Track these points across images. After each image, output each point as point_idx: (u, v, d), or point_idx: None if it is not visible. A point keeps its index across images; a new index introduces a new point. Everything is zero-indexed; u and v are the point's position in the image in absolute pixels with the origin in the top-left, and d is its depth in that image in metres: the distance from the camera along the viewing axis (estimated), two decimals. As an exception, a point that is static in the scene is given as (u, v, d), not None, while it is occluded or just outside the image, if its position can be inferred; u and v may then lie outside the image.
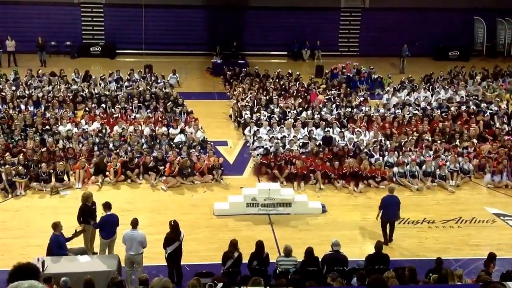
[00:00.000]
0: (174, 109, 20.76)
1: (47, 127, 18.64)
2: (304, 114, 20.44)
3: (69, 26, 30.55)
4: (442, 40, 31.63)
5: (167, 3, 30.65)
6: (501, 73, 26.86)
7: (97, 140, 17.96)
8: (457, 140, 18.69)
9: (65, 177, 16.11)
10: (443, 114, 21.03)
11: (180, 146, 17.77)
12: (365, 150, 17.69)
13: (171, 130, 18.90)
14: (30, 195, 15.64)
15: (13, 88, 22.19)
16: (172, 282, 9.90)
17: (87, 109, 20.40)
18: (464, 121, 20.41)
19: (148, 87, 22.95)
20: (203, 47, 31.07)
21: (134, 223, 11.33)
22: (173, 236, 11.19)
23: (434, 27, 31.39)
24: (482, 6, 31.45)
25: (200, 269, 11.00)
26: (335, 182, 16.52)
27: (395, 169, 16.90)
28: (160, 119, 19.61)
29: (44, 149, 16.92)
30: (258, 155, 17.56)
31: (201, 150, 17.64)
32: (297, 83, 24.10)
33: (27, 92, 21.95)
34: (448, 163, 17.01)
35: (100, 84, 23.25)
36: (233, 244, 11.05)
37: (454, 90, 23.95)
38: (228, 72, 26.09)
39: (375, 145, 17.93)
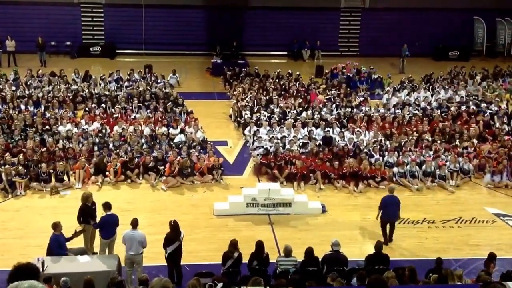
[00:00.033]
0: (174, 109, 20.76)
1: (47, 127, 18.64)
2: (304, 114, 20.44)
3: (69, 26, 30.54)
4: (442, 40, 31.61)
5: (167, 3, 30.64)
6: (501, 73, 26.87)
7: (97, 140, 17.96)
8: (457, 140, 18.69)
9: (65, 177, 16.11)
10: (443, 114, 21.03)
11: (180, 146, 17.77)
12: (365, 150, 17.69)
13: (171, 130, 18.91)
14: (30, 195, 15.64)
15: (13, 88, 22.19)
16: (172, 282, 9.90)
17: (87, 109, 20.40)
18: (464, 121, 20.42)
19: (148, 87, 22.95)
20: (203, 47, 31.06)
21: (134, 223, 11.33)
22: (173, 236, 11.19)
23: (434, 27, 31.37)
24: (482, 6, 31.44)
25: (200, 269, 10.99)
26: (335, 182, 16.52)
27: (395, 169, 16.90)
28: (160, 119, 19.61)
29: (44, 149, 16.92)
30: (258, 155, 17.56)
31: (201, 150, 17.64)
32: (297, 83, 24.10)
33: (27, 92, 21.95)
34: (448, 163, 17.02)
35: (100, 84, 23.25)
36: (233, 244, 11.05)
37: (454, 90, 23.96)
38: (228, 72, 26.09)
39: (375, 145, 17.93)
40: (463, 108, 21.46)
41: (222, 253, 11.11)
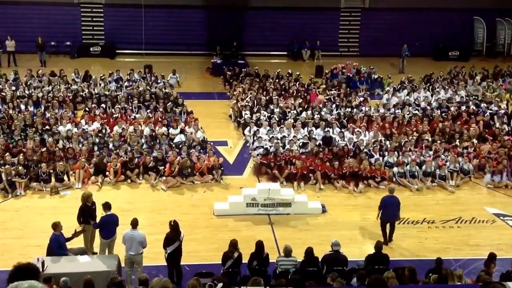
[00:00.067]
0: (174, 109, 20.76)
1: (47, 127, 18.64)
2: (304, 114, 20.44)
3: (69, 26, 30.55)
4: (442, 40, 31.62)
5: (167, 3, 30.65)
6: (501, 73, 26.88)
7: (97, 140, 17.96)
8: (457, 140, 18.69)
9: (65, 177, 16.11)
10: (443, 114, 21.03)
11: (180, 146, 17.77)
12: (365, 150, 17.69)
13: (171, 130, 18.91)
14: (30, 195, 15.64)
15: (13, 88, 22.19)
16: (172, 282, 9.90)
17: (87, 109, 20.40)
18: (464, 121, 20.42)
19: (148, 87, 22.95)
20: (203, 47, 31.07)
21: (134, 223, 11.33)
22: (173, 236, 11.19)
23: (434, 27, 31.38)
24: (482, 6, 31.46)
25: (200, 269, 10.99)
26: (335, 182, 16.52)
27: (395, 169, 16.90)
28: (160, 119, 19.62)
29: (44, 149, 16.91)
30: (258, 155, 17.55)
31: (201, 150, 17.64)
32: (297, 83, 24.11)
33: (27, 92, 21.95)
34: (448, 163, 17.01)
35: (100, 84, 23.25)
36: (233, 244, 11.05)
37: (454, 90, 23.96)
38: (228, 72, 26.09)
39: (375, 145, 17.93)
40: (463, 108, 21.46)
41: (222, 253, 11.10)
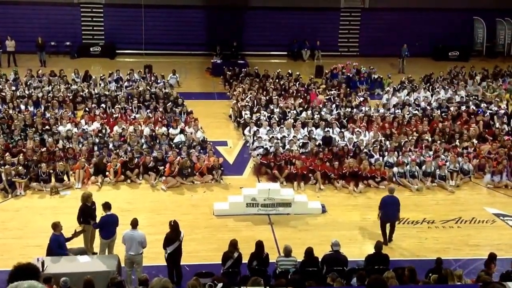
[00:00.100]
0: (174, 109, 20.75)
1: (47, 127, 18.64)
2: (304, 114, 20.44)
3: (68, 26, 30.55)
4: (442, 40, 31.62)
5: (167, 3, 30.64)
6: (501, 73, 26.89)
7: (97, 140, 17.96)
8: (457, 140, 18.69)
9: (65, 177, 16.11)
10: (443, 114, 21.04)
11: (180, 146, 17.77)
12: (365, 150, 17.68)
13: (171, 130, 18.91)
14: (30, 195, 15.64)
15: (13, 88, 22.20)
16: (172, 282, 9.90)
17: (87, 109, 20.40)
18: (464, 121, 20.42)
19: (148, 87, 22.95)
20: (203, 47, 31.08)
21: (134, 223, 11.33)
22: (173, 236, 11.19)
23: (434, 27, 31.39)
24: (482, 6, 31.47)
25: (200, 269, 10.98)
26: (335, 182, 16.52)
27: (395, 169, 16.90)
28: (160, 119, 19.61)
29: (44, 149, 16.91)
30: (258, 155, 17.55)
31: (201, 150, 17.64)
32: (297, 83, 24.11)
33: (27, 92, 21.94)
34: (448, 163, 17.01)
35: (100, 84, 23.25)
36: (233, 244, 11.04)
37: (454, 90, 23.97)
38: (228, 72, 26.10)
39: (375, 145, 17.93)
40: (463, 108, 21.46)
41: (222, 253, 11.10)
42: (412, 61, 29.04)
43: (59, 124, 18.92)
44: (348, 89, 23.89)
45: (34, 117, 19.25)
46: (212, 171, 16.67)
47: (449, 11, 31.46)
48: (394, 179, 16.73)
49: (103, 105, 20.58)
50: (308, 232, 13.87)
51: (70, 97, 21.62)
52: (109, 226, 11.73)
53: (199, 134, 18.95)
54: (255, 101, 21.66)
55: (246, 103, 21.36)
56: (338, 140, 18.47)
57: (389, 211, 13.24)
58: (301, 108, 21.15)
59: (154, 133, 18.64)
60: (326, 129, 18.94)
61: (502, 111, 21.37)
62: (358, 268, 10.91)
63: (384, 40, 30.94)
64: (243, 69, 26.38)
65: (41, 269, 9.47)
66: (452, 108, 21.48)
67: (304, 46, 31.13)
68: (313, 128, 19.06)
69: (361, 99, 22.51)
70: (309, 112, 20.53)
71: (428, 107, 21.72)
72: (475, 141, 18.98)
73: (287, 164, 16.99)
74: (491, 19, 31.81)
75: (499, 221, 14.75)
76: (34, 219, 14.13)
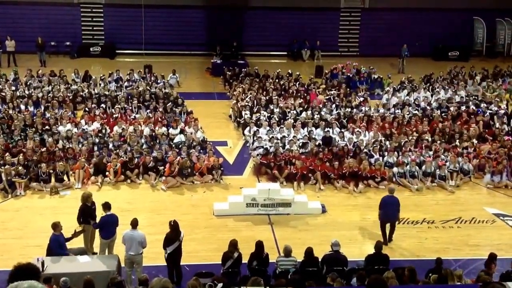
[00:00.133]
0: (174, 109, 20.75)
1: (47, 127, 18.64)
2: (304, 114, 20.44)
3: (68, 26, 30.56)
4: (441, 40, 31.63)
5: (167, 3, 30.65)
6: (501, 73, 26.89)
7: (97, 140, 17.96)
8: (457, 140, 18.69)
9: (65, 177, 16.11)
10: (443, 114, 21.04)
11: (180, 146, 17.77)
12: (365, 150, 17.69)
13: (171, 130, 18.91)
14: (30, 195, 15.64)
15: (13, 88, 22.20)
16: (172, 282, 9.90)
17: (87, 109, 20.40)
18: (464, 121, 20.42)
19: (148, 87, 22.95)
20: (203, 47, 31.09)
21: (134, 223, 11.33)
22: (173, 236, 11.19)
23: (434, 27, 31.39)
24: (482, 6, 31.47)
25: (199, 269, 10.99)
26: (335, 182, 16.51)
27: (395, 169, 16.90)
28: (160, 119, 19.62)
29: (44, 149, 16.90)
30: (257, 155, 17.55)
31: (201, 150, 17.64)
32: (297, 83, 24.11)
33: (27, 92, 21.94)
34: (447, 163, 17.01)
35: (100, 84, 23.25)
36: (233, 244, 11.04)
37: (454, 90, 23.97)
38: (228, 72, 26.10)
39: (374, 145, 17.93)
40: (463, 108, 21.47)
41: (222, 253, 11.10)
42: (412, 61, 29.05)
43: (59, 124, 18.92)
44: (348, 89, 23.89)
45: (34, 117, 19.25)
46: (212, 171, 16.67)
47: (449, 11, 31.47)
48: (394, 179, 16.73)
49: (103, 105, 20.58)
50: (308, 232, 13.87)
51: (70, 97, 21.62)
52: (109, 226, 11.73)
53: (199, 134, 18.95)
54: (255, 101, 21.66)
55: (246, 103, 21.36)
56: (338, 140, 18.47)
57: (389, 211, 13.24)
58: (301, 108, 21.15)
59: (154, 133, 18.64)
60: (326, 129, 18.94)
61: (502, 111, 21.38)
62: (358, 268, 10.91)
63: (384, 40, 30.94)
64: (243, 69, 26.38)
65: (41, 269, 9.47)
66: (452, 108, 21.48)
67: (304, 46, 31.14)
68: (313, 128, 19.06)
69: (361, 99, 22.52)
70: (309, 112, 20.53)
71: (428, 107, 21.72)
72: (475, 141, 18.99)
73: (287, 164, 16.99)
74: (491, 19, 31.82)
75: (499, 221, 14.75)
76: (34, 219, 14.13)
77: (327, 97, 22.46)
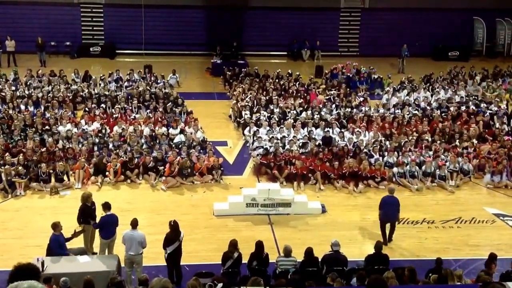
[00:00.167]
0: (174, 109, 20.75)
1: (47, 127, 18.64)
2: (304, 114, 20.44)
3: (68, 26, 30.56)
4: (441, 40, 31.63)
5: (167, 3, 30.65)
6: (501, 74, 26.89)
7: (96, 140, 17.96)
8: (457, 140, 18.70)
9: (65, 177, 16.11)
10: (442, 114, 21.04)
11: (180, 146, 17.77)
12: (365, 150, 17.68)
13: (171, 130, 18.91)
14: (30, 195, 15.63)
15: (13, 88, 22.19)
16: (172, 282, 9.90)
17: (86, 109, 20.40)
18: (464, 121, 20.42)
19: (147, 87, 22.95)
20: (203, 47, 31.09)
21: (134, 223, 11.33)
22: (173, 236, 11.19)
23: (434, 27, 31.40)
24: (482, 6, 31.48)
25: (199, 269, 10.99)
26: (335, 182, 16.51)
27: (395, 169, 16.90)
28: (160, 119, 19.62)
29: (43, 149, 16.91)
30: (257, 155, 17.55)
31: (201, 150, 17.64)
32: (297, 83, 24.11)
33: (26, 92, 21.94)
34: (447, 163, 17.02)
35: (99, 84, 23.25)
36: (233, 244, 11.04)
37: (454, 90, 23.97)
38: (228, 72, 26.10)
39: (374, 145, 17.93)
40: (463, 108, 21.47)
41: (222, 253, 11.10)
42: (412, 61, 29.05)
43: (59, 124, 18.92)
44: (348, 89, 23.89)
45: (34, 117, 19.24)
46: (212, 171, 16.67)
47: (449, 11, 31.47)
48: (394, 179, 16.73)
49: (103, 105, 20.58)
50: (308, 232, 13.87)
51: (70, 97, 21.62)
52: (109, 226, 11.73)
53: (199, 134, 18.95)
54: (255, 101, 21.66)
55: (246, 103, 21.36)
56: (338, 140, 18.47)
57: (389, 211, 13.24)
58: (301, 108, 21.15)
59: (154, 133, 18.64)
60: (326, 129, 18.95)
61: (502, 111, 21.38)
62: (358, 268, 10.91)
63: (384, 40, 30.94)
64: (243, 69, 26.38)
65: (41, 269, 9.47)
66: (452, 108, 21.48)
67: (304, 46, 31.14)
68: (313, 128, 19.06)
69: (361, 99, 22.51)
70: (309, 112, 20.53)
71: (428, 107, 21.72)
72: (475, 141, 18.99)
73: (287, 164, 16.99)
74: (491, 19, 31.82)
75: (499, 221, 14.75)
76: (34, 219, 14.13)
77: (327, 97, 22.46)
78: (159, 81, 24.33)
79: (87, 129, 18.69)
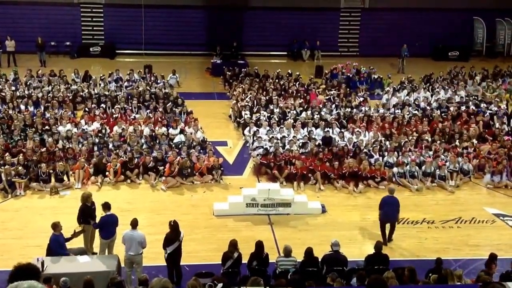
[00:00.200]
0: (174, 109, 20.75)
1: (47, 127, 18.64)
2: (303, 114, 20.44)
3: (68, 26, 30.56)
4: (441, 40, 31.64)
5: (167, 3, 30.65)
6: (501, 74, 26.90)
7: (96, 140, 17.96)
8: (457, 140, 18.70)
9: (65, 177, 16.11)
10: (442, 114, 21.04)
11: (180, 146, 17.77)
12: (365, 150, 17.69)
13: (171, 130, 18.91)
14: (30, 195, 15.63)
15: (13, 88, 22.19)
16: (172, 282, 9.91)
17: (86, 109, 20.40)
18: (464, 121, 20.42)
19: (147, 87, 22.95)
20: (203, 48, 31.09)
21: (134, 224, 11.33)
22: (173, 236, 11.19)
23: (434, 27, 31.40)
24: (482, 6, 31.48)
25: (199, 269, 10.98)
26: (335, 183, 16.51)
27: (395, 170, 16.90)
28: (159, 119, 19.61)
29: (43, 149, 16.90)
30: (257, 155, 17.55)
31: (201, 151, 17.64)
32: (297, 83, 24.11)
33: (26, 92, 21.93)
34: (447, 163, 17.02)
35: (99, 84, 23.25)
36: (233, 244, 11.05)
37: (454, 90, 23.98)
38: (227, 72, 26.10)
39: (374, 145, 17.93)
40: (463, 108, 21.47)
41: (222, 253, 11.10)
42: (412, 61, 29.05)
43: (59, 124, 18.91)
44: (348, 89, 23.89)
45: (34, 117, 19.24)
46: (212, 171, 16.67)
47: (449, 11, 31.47)
48: (394, 179, 16.74)
49: (103, 105, 20.58)
50: (308, 232, 13.87)
51: (70, 97, 21.62)
52: (109, 226, 11.73)
53: (199, 134, 18.95)
54: (255, 101, 21.66)
55: (246, 103, 21.36)
56: (338, 140, 18.47)
57: (389, 211, 13.24)
58: (301, 108, 21.15)
59: (154, 133, 18.64)
60: (326, 129, 18.95)
61: (502, 111, 21.38)
62: (358, 268, 10.91)
63: (384, 40, 30.94)
64: (243, 69, 26.38)
65: (41, 269, 9.47)
66: (452, 108, 21.48)
67: (304, 46, 31.14)
68: (313, 128, 19.07)
69: (361, 99, 22.51)
70: (309, 112, 20.54)
71: (428, 107, 21.72)
72: (475, 141, 18.99)
73: (287, 164, 16.99)
74: (491, 19, 31.83)
75: (499, 221, 14.75)
76: (34, 219, 14.13)
77: (327, 97, 22.46)
78: (159, 81, 24.33)
79: (87, 129, 18.69)
